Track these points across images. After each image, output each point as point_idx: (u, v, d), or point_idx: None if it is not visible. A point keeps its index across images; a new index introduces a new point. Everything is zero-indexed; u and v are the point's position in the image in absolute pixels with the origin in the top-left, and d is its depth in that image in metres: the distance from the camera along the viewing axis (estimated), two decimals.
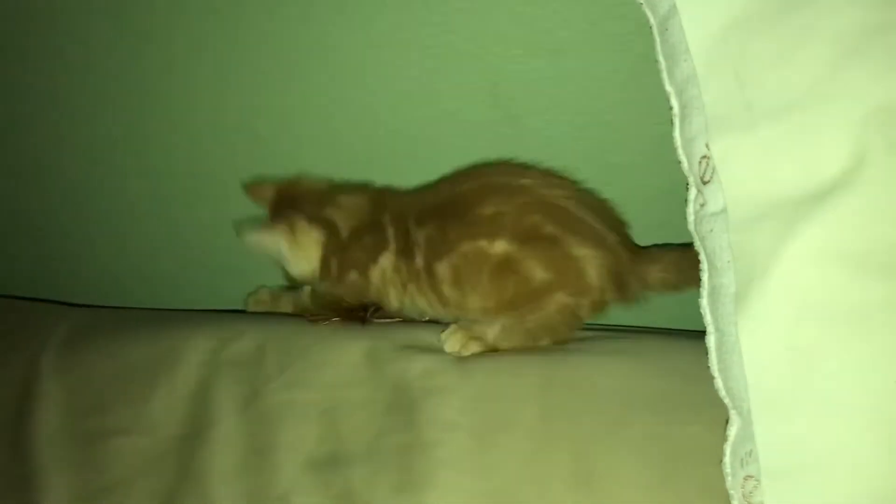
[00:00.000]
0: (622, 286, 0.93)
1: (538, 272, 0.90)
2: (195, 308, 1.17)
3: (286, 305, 1.12)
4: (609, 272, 0.91)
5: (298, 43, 1.07)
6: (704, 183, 0.74)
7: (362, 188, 1.06)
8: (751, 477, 0.70)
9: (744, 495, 0.71)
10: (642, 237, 0.97)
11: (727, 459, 0.73)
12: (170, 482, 0.87)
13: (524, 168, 1.00)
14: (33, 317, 1.10)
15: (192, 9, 1.07)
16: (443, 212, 0.95)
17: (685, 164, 0.76)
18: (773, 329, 0.68)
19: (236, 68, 1.10)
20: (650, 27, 0.78)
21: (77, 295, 1.23)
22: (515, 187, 0.94)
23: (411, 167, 1.06)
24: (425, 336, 0.99)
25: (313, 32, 1.06)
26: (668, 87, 0.76)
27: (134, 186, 1.22)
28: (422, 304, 1.00)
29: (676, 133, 0.76)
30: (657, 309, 0.98)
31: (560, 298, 0.91)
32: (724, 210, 0.72)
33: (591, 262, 0.91)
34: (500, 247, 0.91)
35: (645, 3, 0.78)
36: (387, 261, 0.99)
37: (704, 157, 0.73)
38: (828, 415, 0.66)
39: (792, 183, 0.68)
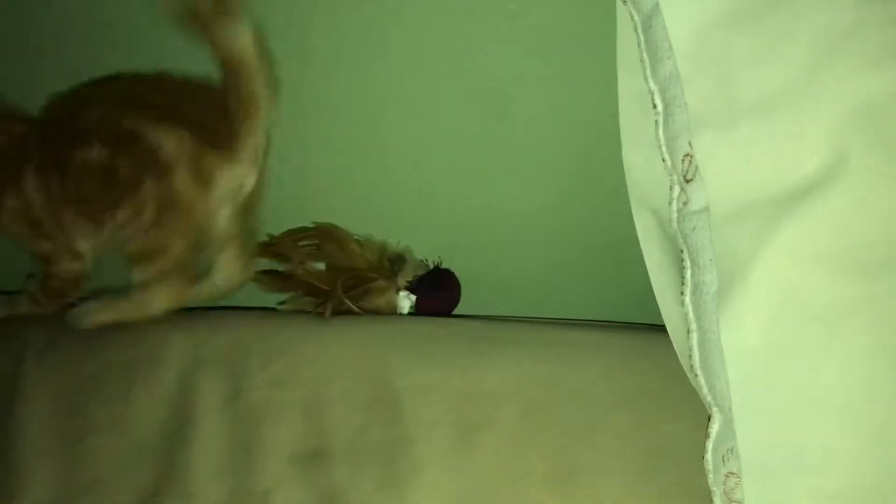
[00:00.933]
0: None
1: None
2: None
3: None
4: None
5: None
6: (687, 181, 0.74)
7: None
8: (732, 474, 0.71)
9: (725, 492, 0.71)
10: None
11: (708, 457, 0.74)
12: (151, 480, 0.87)
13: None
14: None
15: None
16: None
17: (668, 162, 0.76)
18: (753, 327, 0.69)
19: None
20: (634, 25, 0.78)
21: None
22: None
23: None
24: (408, 331, 0.99)
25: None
26: (652, 85, 0.77)
27: None
28: None
29: (660, 131, 0.76)
30: (632, 303, 0.99)
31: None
32: (706, 208, 0.73)
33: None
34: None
35: (629, 1, 0.78)
36: None
37: (687, 154, 0.74)
38: (808, 413, 0.67)
39: (772, 181, 0.69)
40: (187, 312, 1.05)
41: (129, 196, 0.93)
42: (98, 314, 1.00)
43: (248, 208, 1.01)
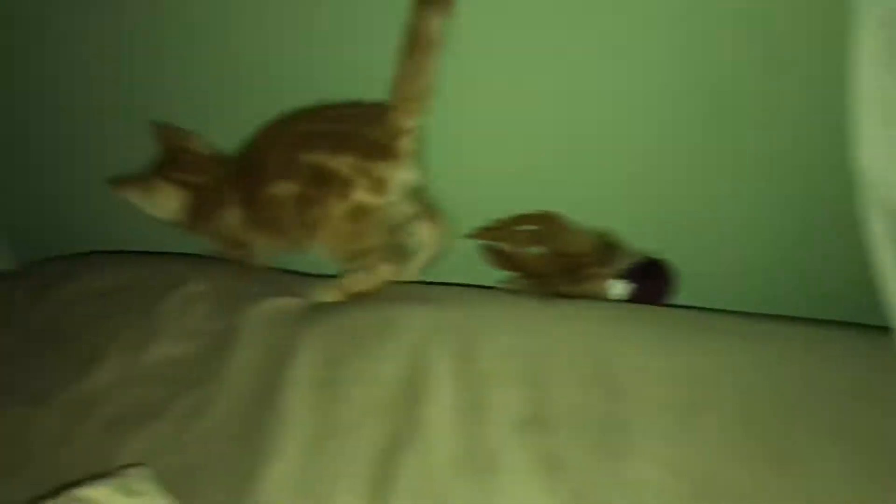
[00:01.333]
0: None
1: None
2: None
3: None
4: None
5: None
6: None
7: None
8: None
9: None
10: None
11: None
12: (392, 430, 0.98)
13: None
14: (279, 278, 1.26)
15: None
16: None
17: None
18: None
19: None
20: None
21: None
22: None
23: None
24: (627, 315, 1.05)
25: None
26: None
27: None
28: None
29: None
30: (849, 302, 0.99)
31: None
32: None
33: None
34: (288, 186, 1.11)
35: None
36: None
37: None
38: None
39: None
40: (427, 286, 1.17)
41: (321, 215, 1.10)
42: (331, 292, 1.18)
43: (419, 192, 1.16)
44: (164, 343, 1.14)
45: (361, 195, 1.08)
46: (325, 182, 1.08)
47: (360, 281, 1.17)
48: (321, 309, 1.14)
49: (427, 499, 0.90)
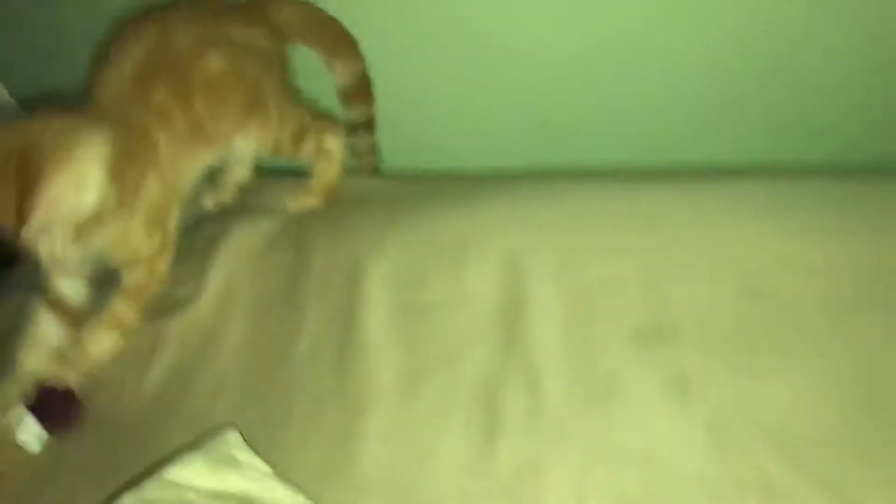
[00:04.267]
0: None
1: (247, 65, 1.02)
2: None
3: None
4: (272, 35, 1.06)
5: None
6: None
7: None
8: None
9: None
10: None
11: None
12: (496, 356, 0.87)
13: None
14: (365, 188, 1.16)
15: None
16: (148, 75, 0.97)
17: None
18: None
19: None
20: None
21: None
22: (179, 20, 1.00)
23: None
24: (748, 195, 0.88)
25: None
26: None
27: None
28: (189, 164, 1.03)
29: None
30: None
31: (266, 76, 1.05)
32: None
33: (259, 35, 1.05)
34: (215, 61, 0.99)
35: None
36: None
37: None
38: None
39: None
40: (509, 183, 1.03)
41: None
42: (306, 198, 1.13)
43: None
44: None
45: (279, 66, 1.07)
46: (246, 52, 1.02)
47: (326, 171, 1.11)
48: (390, 222, 1.03)
49: (540, 435, 0.80)
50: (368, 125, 1.15)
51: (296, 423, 0.88)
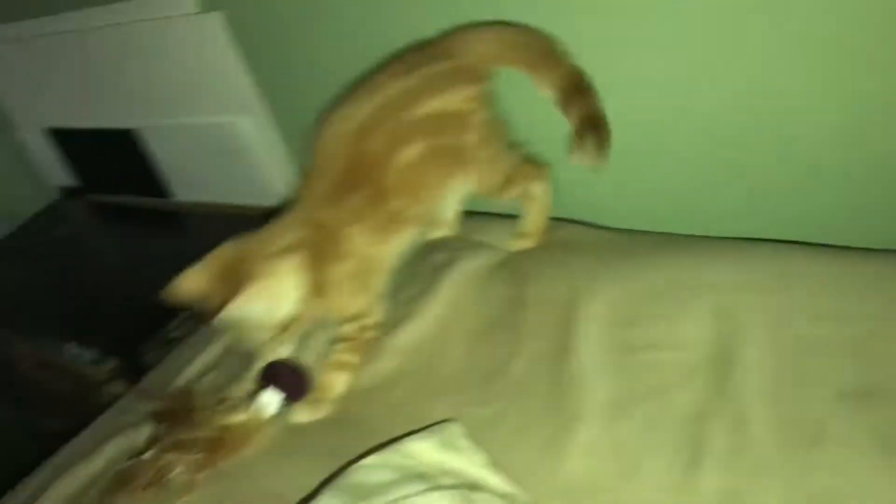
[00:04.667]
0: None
1: (443, 139, 1.10)
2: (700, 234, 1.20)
3: None
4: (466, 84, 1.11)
5: None
6: None
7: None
8: None
9: None
10: None
11: None
12: (704, 396, 0.92)
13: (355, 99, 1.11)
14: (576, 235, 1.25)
15: None
16: (349, 182, 1.08)
17: None
18: None
19: None
20: None
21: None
22: (368, 118, 1.08)
23: None
24: None
25: None
26: None
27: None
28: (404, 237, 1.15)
29: None
30: None
31: (467, 137, 1.11)
32: None
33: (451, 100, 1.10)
34: (409, 151, 1.08)
35: None
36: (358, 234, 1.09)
37: None
38: None
39: None
40: (722, 241, 1.10)
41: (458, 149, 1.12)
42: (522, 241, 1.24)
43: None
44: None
45: (482, 114, 1.11)
46: (444, 124, 1.09)
47: (533, 215, 1.21)
48: (607, 267, 1.12)
49: (742, 469, 0.84)
50: (593, 124, 1.11)
51: (507, 429, 0.97)
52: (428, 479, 0.81)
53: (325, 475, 0.93)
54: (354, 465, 0.85)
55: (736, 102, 1.12)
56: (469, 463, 0.88)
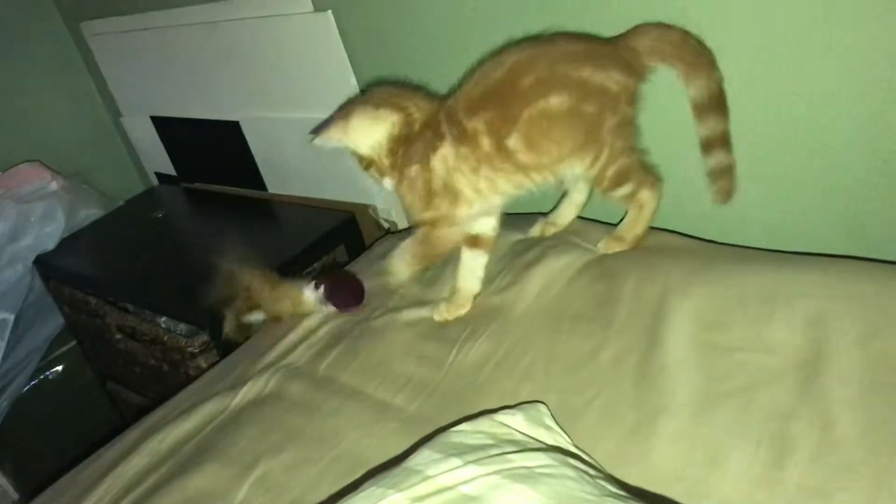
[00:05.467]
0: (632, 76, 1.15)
1: (588, 106, 1.13)
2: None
3: None
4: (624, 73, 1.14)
5: None
6: None
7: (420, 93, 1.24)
8: None
9: None
10: None
11: None
12: (791, 396, 0.94)
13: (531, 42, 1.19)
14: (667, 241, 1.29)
15: None
16: (491, 98, 1.14)
17: None
18: None
19: None
20: None
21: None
22: (533, 57, 1.14)
23: None
24: None
25: None
26: None
27: None
28: (500, 182, 1.18)
29: None
30: None
31: (608, 117, 1.14)
32: None
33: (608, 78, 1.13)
34: (555, 101, 1.12)
35: None
36: (447, 151, 1.16)
37: None
38: None
39: None
40: (810, 255, 1.13)
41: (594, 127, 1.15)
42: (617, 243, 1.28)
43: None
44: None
45: (625, 108, 1.15)
46: (594, 94, 1.13)
47: (637, 221, 1.24)
48: (697, 273, 1.15)
49: (830, 467, 0.85)
50: (724, 142, 1.15)
51: (593, 416, 1.00)
52: (521, 444, 0.85)
53: (414, 441, 0.98)
54: (448, 430, 0.89)
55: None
56: (555, 440, 0.91)
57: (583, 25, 1.22)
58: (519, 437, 0.88)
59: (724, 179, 1.18)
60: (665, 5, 1.16)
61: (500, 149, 1.15)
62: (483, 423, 0.90)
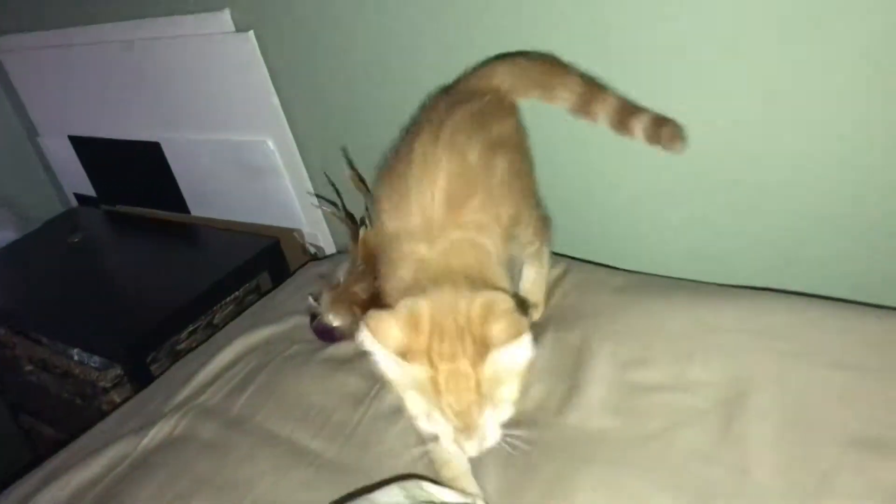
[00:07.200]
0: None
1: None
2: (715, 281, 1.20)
3: None
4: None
5: None
6: None
7: None
8: None
9: None
10: None
11: None
12: (710, 438, 0.92)
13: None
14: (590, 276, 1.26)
15: None
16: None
17: None
18: None
19: None
20: None
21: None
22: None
23: None
24: None
25: None
26: None
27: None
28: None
29: None
30: None
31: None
32: None
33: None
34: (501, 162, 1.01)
35: None
36: None
37: None
38: None
39: None
40: (736, 290, 1.11)
41: None
42: None
43: None
44: None
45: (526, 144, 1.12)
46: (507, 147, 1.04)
47: (540, 284, 1.19)
48: (618, 307, 1.13)
49: None
50: (628, 109, 1.06)
51: (515, 467, 0.97)
52: None
53: (329, 492, 0.94)
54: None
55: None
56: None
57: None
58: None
59: (662, 128, 1.03)
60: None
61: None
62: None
